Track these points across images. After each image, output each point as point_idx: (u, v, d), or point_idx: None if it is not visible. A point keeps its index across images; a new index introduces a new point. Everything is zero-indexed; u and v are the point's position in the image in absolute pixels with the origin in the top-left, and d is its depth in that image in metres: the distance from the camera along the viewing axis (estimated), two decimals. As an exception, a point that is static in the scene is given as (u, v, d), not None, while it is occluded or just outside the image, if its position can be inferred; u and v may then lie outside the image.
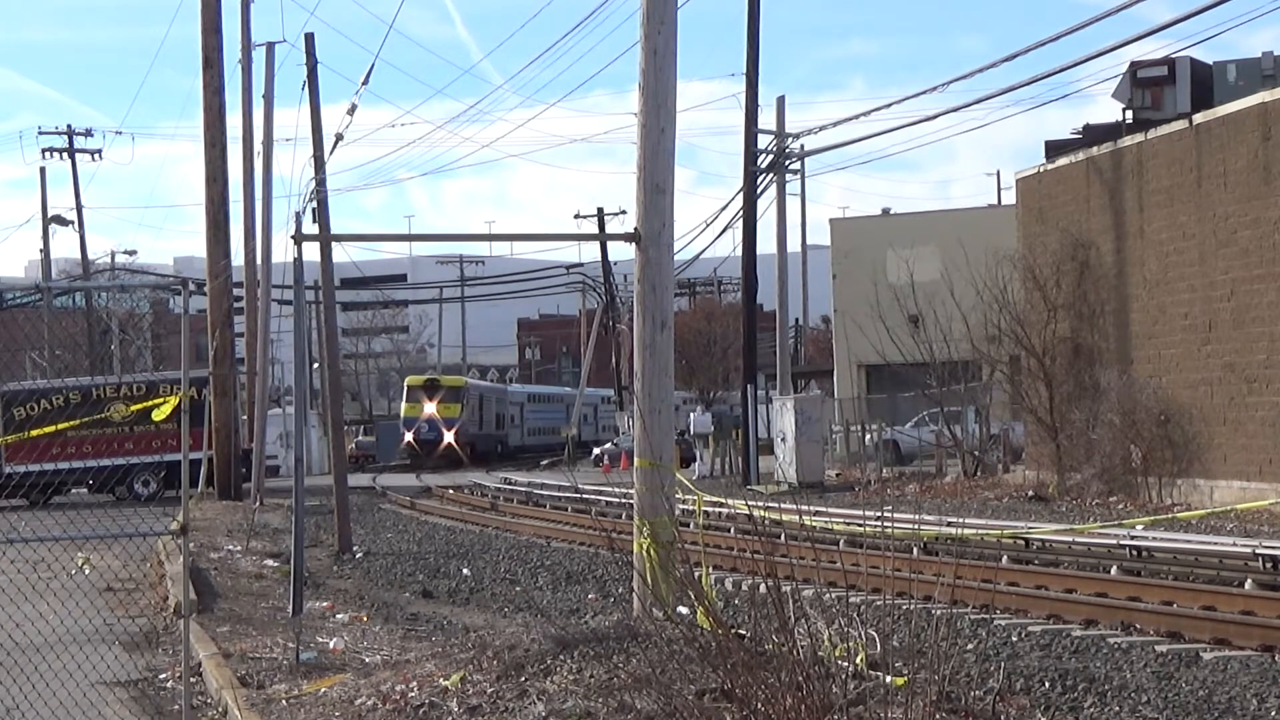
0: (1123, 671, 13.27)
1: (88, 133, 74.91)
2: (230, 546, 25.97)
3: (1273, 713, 11.61)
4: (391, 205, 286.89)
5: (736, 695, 8.45)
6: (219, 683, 12.62)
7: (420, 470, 66.97)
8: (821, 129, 50.52)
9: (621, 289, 79.00)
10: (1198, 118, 31.74)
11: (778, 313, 50.56)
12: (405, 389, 79.94)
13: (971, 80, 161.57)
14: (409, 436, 75.14)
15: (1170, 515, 25.53)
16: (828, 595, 9.87)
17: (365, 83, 30.90)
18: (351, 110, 31.50)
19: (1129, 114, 35.66)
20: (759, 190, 46.49)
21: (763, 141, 46.16)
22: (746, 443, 45.72)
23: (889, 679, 8.82)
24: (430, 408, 75.23)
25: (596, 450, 69.54)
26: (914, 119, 66.61)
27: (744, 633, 9.48)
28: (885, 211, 72.88)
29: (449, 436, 74.89)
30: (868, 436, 47.63)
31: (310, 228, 26.89)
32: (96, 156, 74.85)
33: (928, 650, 8.37)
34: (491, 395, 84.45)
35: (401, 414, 78.02)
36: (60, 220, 74.56)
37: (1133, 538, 20.90)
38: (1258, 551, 18.62)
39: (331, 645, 14.66)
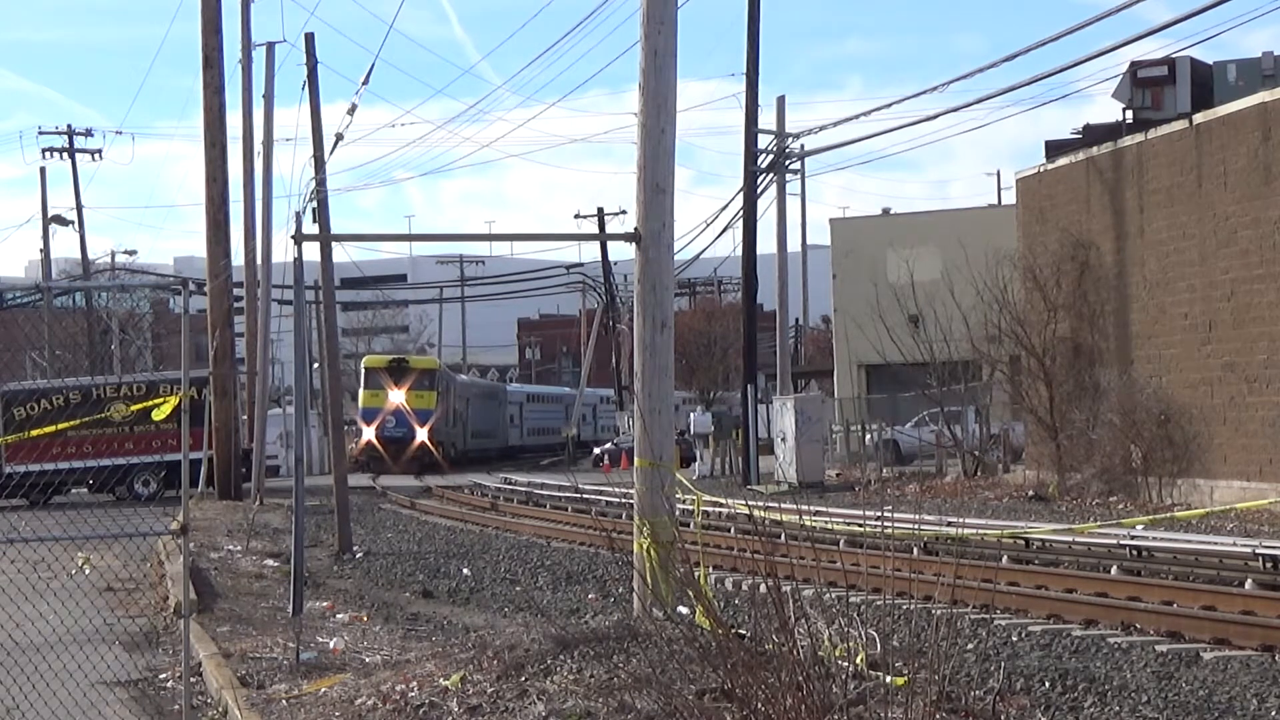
0: (1123, 671, 13.27)
1: (88, 133, 75.01)
2: (230, 546, 25.96)
3: (1273, 713, 11.61)
4: (390, 205, 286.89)
5: (736, 695, 8.45)
6: (219, 683, 12.63)
7: (420, 475, 57.68)
8: (821, 129, 50.68)
9: (621, 289, 78.83)
10: (1198, 118, 31.75)
11: (778, 313, 50.59)
12: (363, 372, 64.44)
13: (971, 80, 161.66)
14: (369, 433, 61.05)
15: (1170, 515, 25.52)
16: (828, 595, 9.87)
17: (365, 83, 30.92)
18: (351, 110, 31.51)
19: (1129, 114, 35.68)
20: (759, 190, 46.54)
21: (762, 141, 46.24)
22: (746, 443, 45.73)
23: (889, 679, 8.82)
24: (397, 396, 61.29)
25: (597, 450, 69.11)
26: (913, 119, 66.87)
27: (744, 633, 9.48)
28: (885, 211, 72.89)
29: (422, 434, 60.68)
30: (868, 436, 47.62)
31: (310, 228, 26.87)
32: (96, 156, 74.93)
33: (928, 650, 8.37)
34: (453, 387, 69.77)
35: (359, 404, 62.45)
36: (60, 220, 74.57)
37: (1133, 538, 20.90)
38: (1258, 551, 18.62)
39: (331, 645, 14.66)
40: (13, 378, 49.75)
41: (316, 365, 47.12)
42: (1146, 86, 35.10)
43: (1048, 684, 12.50)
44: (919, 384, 43.18)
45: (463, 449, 68.91)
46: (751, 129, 45.06)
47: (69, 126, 74.43)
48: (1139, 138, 33.65)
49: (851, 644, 9.03)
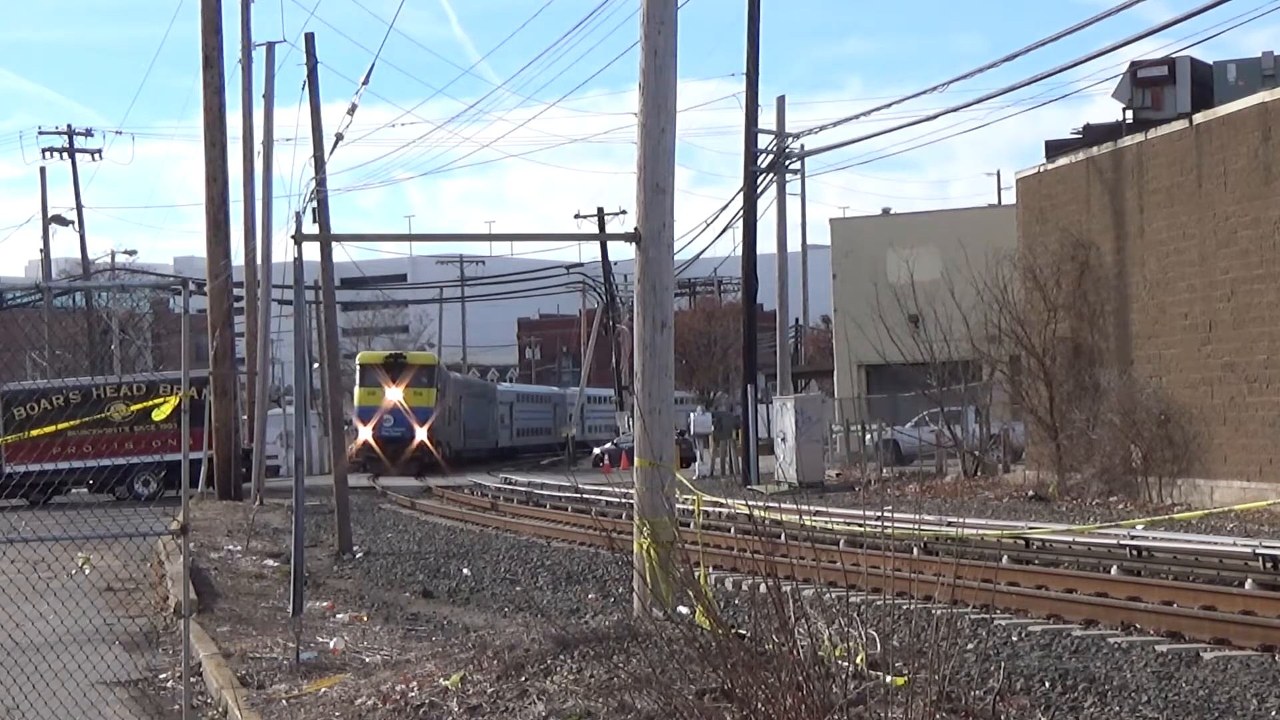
0: (1123, 671, 13.27)
1: (87, 133, 74.99)
2: (230, 546, 25.96)
3: (1273, 713, 11.61)
4: (390, 205, 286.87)
5: (736, 695, 8.45)
6: (219, 683, 12.63)
7: (420, 476, 56.11)
8: (821, 129, 50.75)
9: (621, 289, 78.78)
10: (1198, 118, 31.75)
11: (778, 313, 50.58)
12: (358, 369, 61.96)
13: (971, 80, 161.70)
14: (366, 433, 58.54)
15: (1170, 515, 25.52)
16: (828, 595, 9.86)
17: (365, 83, 30.94)
18: (351, 110, 31.52)
19: (1129, 114, 35.67)
20: (759, 190, 46.55)
21: (762, 141, 46.25)
22: (746, 443, 45.72)
23: (889, 679, 8.81)
24: (394, 394, 59.07)
25: (597, 450, 69.07)
26: (913, 119, 66.89)
27: (744, 633, 9.48)
28: (885, 211, 72.89)
29: (421, 433, 58.46)
30: (868, 436, 47.61)
31: (310, 228, 26.85)
32: (96, 156, 74.92)
33: (928, 650, 8.37)
34: (450, 385, 66.79)
35: (354, 402, 58.81)
36: (60, 220, 74.56)
37: (1133, 538, 20.90)
38: (1258, 551, 18.62)
39: (331, 645, 14.66)
40: (13, 378, 49.73)
41: (316, 365, 47.15)
42: (1146, 86, 35.08)
43: (1048, 684, 12.50)
44: (919, 384, 43.17)
45: (458, 449, 67.08)
46: (751, 129, 45.06)
47: (69, 126, 74.49)
48: (1139, 138, 33.65)
49: (851, 644, 9.03)
